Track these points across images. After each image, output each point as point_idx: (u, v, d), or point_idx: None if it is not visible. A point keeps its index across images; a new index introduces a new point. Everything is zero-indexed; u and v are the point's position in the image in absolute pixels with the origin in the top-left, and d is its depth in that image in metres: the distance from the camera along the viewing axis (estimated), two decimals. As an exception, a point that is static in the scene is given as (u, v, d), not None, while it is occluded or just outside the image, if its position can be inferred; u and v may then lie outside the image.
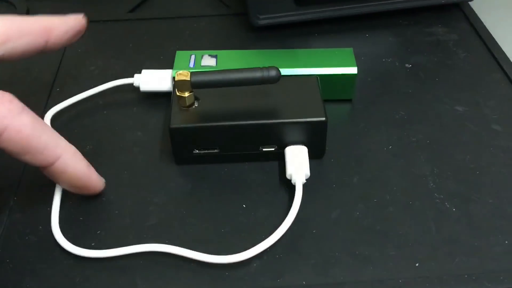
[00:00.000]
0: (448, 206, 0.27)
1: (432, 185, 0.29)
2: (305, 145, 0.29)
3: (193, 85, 0.28)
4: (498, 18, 0.43)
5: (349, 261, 0.25)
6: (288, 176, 0.28)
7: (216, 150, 0.29)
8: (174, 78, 0.29)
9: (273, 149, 0.29)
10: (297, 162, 0.28)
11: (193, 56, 0.33)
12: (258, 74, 0.27)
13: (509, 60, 0.37)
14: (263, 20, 0.39)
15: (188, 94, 0.28)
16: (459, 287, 0.24)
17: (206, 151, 0.29)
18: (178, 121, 0.28)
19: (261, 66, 0.31)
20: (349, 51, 0.34)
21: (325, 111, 0.28)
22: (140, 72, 0.34)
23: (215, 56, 0.33)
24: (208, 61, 0.33)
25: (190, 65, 0.33)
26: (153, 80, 0.34)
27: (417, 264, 0.25)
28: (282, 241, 0.26)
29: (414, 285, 0.24)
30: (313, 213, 0.27)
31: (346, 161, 0.30)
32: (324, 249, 0.26)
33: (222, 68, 0.32)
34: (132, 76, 0.34)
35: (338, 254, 0.25)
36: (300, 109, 0.29)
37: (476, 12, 0.42)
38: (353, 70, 0.32)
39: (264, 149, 0.29)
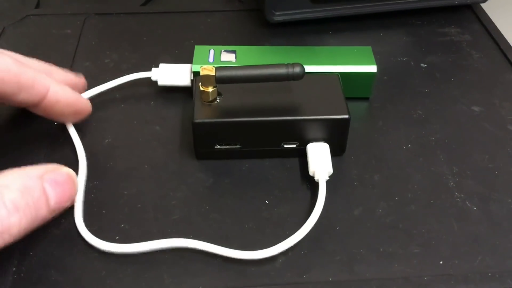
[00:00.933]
0: (468, 205, 0.28)
1: (452, 184, 0.29)
2: (326, 142, 0.29)
3: (218, 80, 0.28)
4: (509, 20, 0.43)
5: (373, 258, 0.25)
6: (311, 173, 0.28)
7: (237, 146, 0.29)
8: (197, 72, 0.28)
9: (294, 145, 0.29)
10: (320, 159, 0.28)
11: (212, 51, 0.33)
12: (283, 71, 0.27)
13: (523, 62, 0.37)
14: (279, 16, 0.39)
15: (212, 89, 0.28)
16: (484, 285, 0.24)
17: (228, 147, 0.29)
18: (201, 115, 0.28)
19: (280, 62, 0.31)
20: (367, 49, 0.34)
21: (348, 108, 0.29)
22: (157, 66, 0.34)
23: (234, 52, 0.33)
24: (228, 57, 0.33)
25: (209, 60, 0.33)
26: (171, 74, 0.33)
27: (441, 262, 0.25)
28: (306, 237, 0.26)
29: (440, 282, 0.24)
30: (336, 210, 0.27)
31: (366, 159, 0.30)
32: (348, 246, 0.26)
33: (241, 64, 0.32)
34: (148, 70, 0.34)
35: (362, 251, 0.26)
36: (323, 106, 0.29)
37: (488, 13, 0.42)
38: (372, 68, 0.33)
39: (285, 146, 0.29)
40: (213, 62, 0.32)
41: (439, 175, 0.29)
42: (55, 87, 0.27)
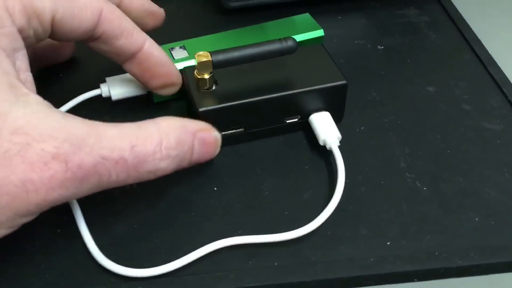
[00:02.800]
0: (419, 185, 0.27)
1: (404, 164, 0.29)
2: (327, 111, 0.29)
3: (215, 65, 0.27)
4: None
5: (321, 241, 0.25)
6: (321, 142, 0.28)
7: (241, 129, 0.29)
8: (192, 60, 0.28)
9: (296, 119, 0.29)
10: (326, 127, 0.28)
11: None
12: (277, 46, 0.27)
13: (479, 41, 0.37)
14: (235, 2, 0.39)
15: (209, 75, 0.28)
16: (430, 264, 0.24)
17: (232, 131, 0.29)
18: (204, 104, 0.27)
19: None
20: (307, 16, 0.35)
21: (344, 74, 0.29)
22: (104, 81, 0.31)
23: (183, 47, 0.32)
24: (180, 53, 0.32)
25: None
26: (123, 86, 0.31)
27: (388, 243, 0.25)
28: (256, 223, 0.25)
29: (386, 263, 0.24)
30: (286, 194, 0.27)
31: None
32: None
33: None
34: (94, 81, 0.31)
35: (309, 234, 0.25)
36: (319, 76, 0.29)
37: (448, -7, 0.42)
38: (319, 32, 0.34)
39: (287, 121, 0.29)
40: None
41: (390, 157, 0.29)
42: (152, 42, 0.28)
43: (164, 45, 0.32)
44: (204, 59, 0.27)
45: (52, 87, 0.33)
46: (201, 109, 0.27)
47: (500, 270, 0.24)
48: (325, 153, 0.29)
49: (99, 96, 0.31)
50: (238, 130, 0.29)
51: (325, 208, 0.25)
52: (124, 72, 0.30)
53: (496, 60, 0.35)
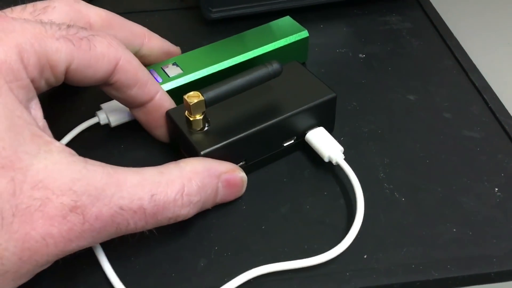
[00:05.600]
0: (397, 196, 0.27)
1: (382, 175, 0.28)
2: (320, 126, 0.29)
3: (208, 104, 0.26)
4: (451, 5, 0.43)
5: (297, 255, 0.25)
6: (327, 159, 0.28)
7: (242, 163, 0.28)
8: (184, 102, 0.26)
9: (293, 141, 0.29)
10: (326, 143, 0.28)
11: (152, 71, 0.31)
12: (264, 71, 0.27)
13: (461, 47, 0.37)
14: (216, 13, 0.39)
15: (203, 115, 0.26)
16: (407, 277, 0.24)
17: None
18: (204, 146, 0.26)
19: (222, 58, 0.32)
20: (288, 19, 0.35)
21: (329, 86, 0.29)
22: (99, 108, 0.31)
23: (175, 64, 0.32)
24: (174, 70, 0.31)
25: (158, 80, 0.31)
26: (120, 111, 0.30)
27: (365, 256, 0.25)
28: (230, 239, 0.25)
29: (362, 277, 0.24)
30: (262, 208, 0.27)
31: (297, 154, 0.30)
32: (273, 245, 0.25)
33: (189, 72, 0.31)
34: (89, 110, 0.31)
35: (286, 249, 0.25)
36: (307, 93, 0.29)
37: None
38: (304, 33, 0.34)
39: (285, 144, 0.29)
40: (163, 81, 0.31)
41: (370, 167, 0.29)
42: (163, 92, 0.28)
43: (156, 65, 0.32)
44: (196, 100, 0.26)
45: (46, 119, 0.32)
46: (203, 152, 0.26)
47: (477, 282, 0.24)
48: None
49: (97, 124, 0.31)
50: (240, 163, 0.28)
51: (351, 227, 0.25)
52: None
53: (477, 67, 0.35)
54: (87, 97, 0.34)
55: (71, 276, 0.24)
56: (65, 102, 0.33)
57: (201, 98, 0.26)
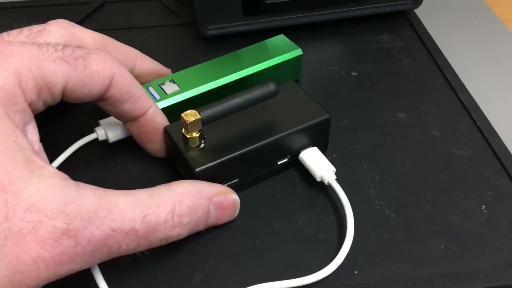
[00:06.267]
0: (387, 212, 0.28)
1: (373, 192, 0.29)
2: (314, 146, 0.30)
3: (204, 122, 0.27)
4: (441, 24, 0.44)
5: (290, 271, 0.25)
6: (318, 179, 0.29)
7: (236, 180, 0.28)
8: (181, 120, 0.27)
9: (286, 159, 0.30)
10: (319, 163, 0.29)
11: (150, 88, 0.32)
12: (261, 92, 0.28)
13: (451, 67, 0.38)
14: (212, 30, 0.40)
15: (199, 133, 0.27)
16: (396, 293, 0.25)
17: (229, 183, 0.28)
18: (199, 163, 0.26)
19: (219, 75, 0.32)
20: (282, 37, 0.36)
21: (324, 107, 0.30)
22: (97, 124, 0.31)
23: (173, 81, 0.33)
24: (171, 87, 0.32)
25: (155, 97, 0.31)
26: (118, 127, 0.31)
27: (356, 272, 0.25)
28: (224, 253, 0.26)
29: (352, 292, 0.25)
30: (256, 224, 0.28)
31: (290, 170, 0.30)
32: (266, 260, 0.26)
33: (186, 89, 0.32)
34: (86, 125, 0.31)
35: (280, 264, 0.26)
36: (302, 113, 0.29)
37: (421, 19, 0.43)
38: (298, 52, 0.35)
39: (278, 163, 0.29)
40: (161, 98, 0.31)
41: (361, 184, 0.30)
42: (155, 107, 0.29)
43: (153, 82, 0.32)
44: (193, 119, 0.26)
45: (45, 135, 0.32)
46: (198, 169, 0.26)
47: (464, 297, 0.25)
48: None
49: (95, 139, 0.31)
50: (234, 181, 0.28)
51: (341, 247, 0.25)
52: None
53: (466, 86, 0.36)
54: (85, 112, 0.34)
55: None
56: (64, 118, 0.34)
57: (198, 116, 0.26)
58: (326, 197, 0.29)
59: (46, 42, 0.24)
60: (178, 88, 0.32)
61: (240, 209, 0.28)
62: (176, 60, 0.37)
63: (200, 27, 0.39)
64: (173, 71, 0.34)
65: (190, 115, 0.26)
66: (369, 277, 0.25)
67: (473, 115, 0.34)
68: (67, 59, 0.24)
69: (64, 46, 0.24)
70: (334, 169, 0.29)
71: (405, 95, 0.36)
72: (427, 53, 0.39)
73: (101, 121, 0.31)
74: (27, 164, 0.21)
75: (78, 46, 0.25)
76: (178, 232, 0.24)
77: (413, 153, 0.32)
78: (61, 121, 0.34)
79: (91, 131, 0.31)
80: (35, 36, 0.26)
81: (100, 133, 0.31)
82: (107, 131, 0.31)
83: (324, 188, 0.29)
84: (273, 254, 0.26)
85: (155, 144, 0.30)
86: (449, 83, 0.36)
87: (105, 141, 0.31)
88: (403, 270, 0.26)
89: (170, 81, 0.32)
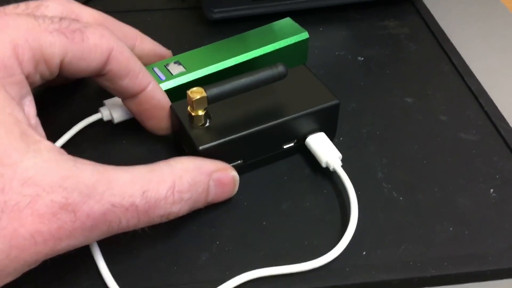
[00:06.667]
0: (395, 195, 0.28)
1: (381, 175, 0.29)
2: (321, 131, 0.29)
3: (210, 100, 0.26)
4: (447, 11, 0.44)
5: (298, 252, 0.25)
6: (324, 164, 0.28)
7: (240, 161, 0.28)
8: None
9: (292, 144, 0.29)
10: (325, 149, 0.28)
11: (156, 69, 0.32)
12: (269, 73, 0.27)
13: (458, 52, 0.38)
14: (217, 13, 0.39)
15: (204, 112, 0.27)
16: (405, 274, 0.24)
17: (232, 164, 0.27)
18: (203, 141, 0.26)
19: (224, 57, 0.32)
20: (288, 21, 0.35)
21: (334, 93, 0.29)
22: (103, 105, 0.31)
23: (178, 62, 0.32)
24: (177, 68, 0.32)
25: (161, 78, 0.31)
26: (123, 108, 0.30)
27: (364, 253, 0.25)
28: (232, 234, 0.26)
29: (361, 272, 0.24)
30: (263, 205, 0.27)
31: (297, 155, 0.30)
32: (274, 241, 0.26)
33: (192, 70, 0.31)
34: (91, 105, 0.31)
35: (287, 245, 0.26)
36: (311, 98, 0.29)
37: (427, 5, 0.43)
38: (304, 35, 0.34)
39: (284, 147, 0.29)
40: (166, 79, 0.31)
41: (368, 167, 0.29)
42: (155, 83, 0.28)
43: (159, 63, 0.32)
44: (199, 96, 0.26)
45: (49, 115, 0.32)
46: (201, 147, 0.26)
47: (473, 279, 0.25)
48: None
49: (100, 120, 0.31)
50: (238, 162, 0.28)
51: (345, 232, 0.25)
52: None
53: (473, 71, 0.36)
54: (89, 94, 0.34)
55: (67, 272, 0.25)
56: (67, 98, 0.34)
57: (204, 94, 0.26)
58: (333, 179, 0.29)
59: (42, 14, 0.24)
60: (183, 69, 0.32)
61: (247, 190, 0.28)
62: (180, 43, 0.37)
63: (205, 10, 0.39)
64: (177, 55, 0.34)
65: (196, 92, 0.26)
66: (377, 258, 0.25)
67: (480, 100, 0.33)
68: (64, 31, 0.23)
69: (61, 18, 0.24)
70: (340, 155, 0.28)
71: (412, 80, 0.35)
72: (434, 39, 0.39)
73: (106, 101, 0.31)
74: (23, 138, 0.21)
75: (75, 20, 0.25)
76: (178, 208, 0.23)
77: (420, 137, 0.31)
78: (65, 102, 0.33)
79: (95, 112, 0.31)
80: (31, 11, 0.26)
81: (105, 113, 0.31)
82: (112, 111, 0.30)
83: (330, 171, 0.29)
84: (280, 234, 0.26)
85: (156, 121, 0.29)
86: (456, 69, 0.36)
87: (110, 122, 0.31)
88: (412, 251, 0.25)
89: (175, 63, 0.32)
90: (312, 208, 0.27)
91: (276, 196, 0.28)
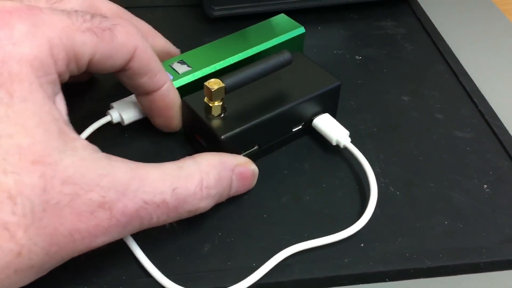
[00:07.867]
0: (392, 189, 0.29)
1: (378, 170, 0.30)
2: (325, 112, 0.31)
3: (228, 90, 0.27)
4: (443, 13, 0.44)
5: (297, 243, 0.26)
6: (334, 143, 0.30)
7: (256, 147, 0.29)
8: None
9: (300, 126, 0.30)
10: (333, 128, 0.30)
11: None
12: (277, 60, 0.29)
13: (453, 53, 0.39)
14: (218, 11, 0.40)
15: (222, 102, 0.28)
16: (401, 265, 0.25)
17: (249, 151, 0.29)
18: (224, 130, 0.27)
19: (226, 54, 0.33)
20: (283, 17, 0.36)
21: (334, 75, 0.31)
22: (111, 107, 0.31)
23: (182, 61, 0.33)
24: (183, 68, 0.32)
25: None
26: (132, 109, 0.31)
27: (362, 245, 0.26)
28: (233, 226, 0.26)
29: (359, 263, 0.25)
30: (263, 198, 0.28)
31: (297, 148, 0.31)
32: (274, 233, 0.26)
33: (198, 69, 0.32)
34: (98, 108, 0.31)
35: (287, 237, 0.26)
36: (315, 81, 0.30)
37: (423, 7, 0.44)
38: (301, 30, 0.35)
39: (294, 130, 0.30)
40: (173, 79, 0.31)
41: (366, 162, 0.30)
42: (171, 84, 0.29)
43: (164, 62, 0.32)
44: (217, 87, 0.27)
45: None
46: (223, 137, 0.27)
47: (467, 271, 0.26)
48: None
49: (108, 122, 0.31)
50: (254, 148, 0.29)
51: (368, 205, 0.27)
52: (124, 94, 0.30)
53: (468, 71, 0.37)
54: (95, 96, 0.34)
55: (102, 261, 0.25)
56: (72, 103, 0.34)
57: (222, 84, 0.27)
58: (333, 173, 0.30)
59: (74, 10, 0.24)
60: (189, 68, 0.32)
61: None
62: (181, 40, 0.37)
63: (205, 7, 0.39)
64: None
65: (214, 83, 0.27)
66: (375, 250, 0.26)
67: (474, 99, 0.34)
68: (95, 31, 0.24)
69: (92, 16, 0.24)
70: (348, 132, 0.30)
71: (409, 79, 0.36)
72: (430, 40, 0.40)
73: (113, 104, 0.31)
74: (61, 136, 0.21)
75: (105, 17, 0.25)
76: (206, 203, 0.24)
77: (416, 134, 0.32)
78: (71, 106, 0.34)
79: (101, 114, 0.31)
80: (54, 3, 0.26)
81: (114, 116, 0.30)
82: (122, 113, 0.30)
83: (330, 164, 0.30)
84: (281, 227, 0.27)
85: (166, 119, 0.30)
86: (451, 69, 0.37)
87: (118, 124, 0.31)
88: (408, 244, 0.26)
89: (179, 62, 0.33)
90: (312, 201, 0.28)
91: (277, 189, 0.29)
